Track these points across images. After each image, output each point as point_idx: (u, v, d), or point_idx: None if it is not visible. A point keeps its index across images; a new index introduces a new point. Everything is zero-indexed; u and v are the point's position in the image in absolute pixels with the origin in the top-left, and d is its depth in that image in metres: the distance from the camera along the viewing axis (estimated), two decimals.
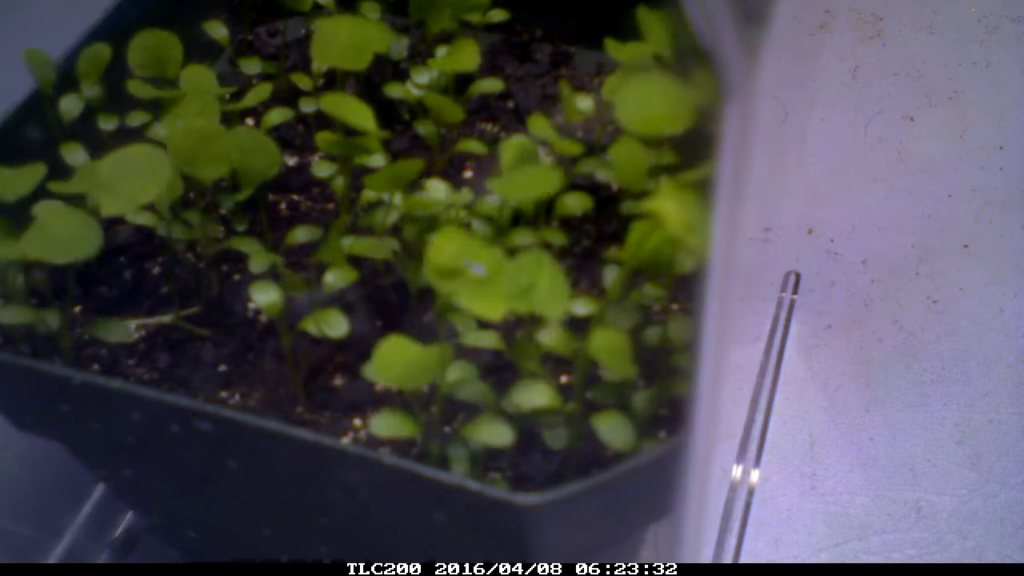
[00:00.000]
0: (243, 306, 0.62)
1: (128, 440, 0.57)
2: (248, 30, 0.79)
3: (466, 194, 0.60)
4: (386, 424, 0.50)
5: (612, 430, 0.50)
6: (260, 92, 0.61)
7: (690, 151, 0.57)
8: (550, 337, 0.52)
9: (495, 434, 0.50)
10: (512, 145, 0.57)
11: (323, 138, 0.58)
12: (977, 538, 0.82)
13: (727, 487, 0.84)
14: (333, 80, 0.73)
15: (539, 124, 0.61)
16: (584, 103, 0.65)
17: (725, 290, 0.37)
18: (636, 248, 0.49)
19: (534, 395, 0.51)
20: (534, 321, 0.53)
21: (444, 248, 0.48)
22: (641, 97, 0.50)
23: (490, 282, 0.48)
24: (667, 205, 0.44)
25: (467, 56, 0.64)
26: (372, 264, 0.61)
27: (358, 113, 0.56)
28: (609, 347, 0.49)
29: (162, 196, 0.58)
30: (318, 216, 0.67)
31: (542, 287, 0.47)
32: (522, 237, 0.59)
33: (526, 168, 0.57)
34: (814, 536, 0.83)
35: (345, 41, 0.59)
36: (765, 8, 0.36)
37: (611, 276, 0.59)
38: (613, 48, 0.60)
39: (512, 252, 0.49)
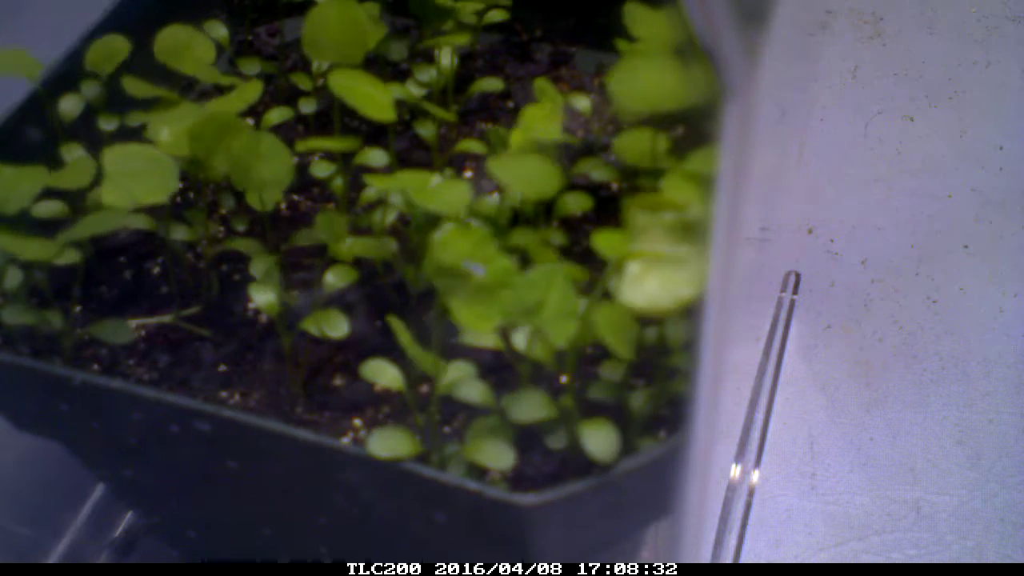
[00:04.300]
0: (243, 306, 0.62)
1: (128, 440, 0.57)
2: (248, 30, 0.79)
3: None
4: (386, 443, 0.49)
5: (596, 439, 0.49)
6: (248, 91, 0.60)
7: (690, 152, 0.57)
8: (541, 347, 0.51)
9: (496, 456, 0.49)
10: (533, 112, 0.56)
11: (306, 144, 0.58)
12: (977, 538, 0.82)
13: (727, 487, 0.84)
14: None
15: (536, 114, 0.61)
16: (581, 100, 0.65)
17: (725, 290, 0.37)
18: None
19: (531, 408, 0.50)
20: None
21: (452, 246, 0.47)
22: (637, 75, 0.49)
23: (491, 292, 0.46)
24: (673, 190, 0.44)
25: (462, 36, 0.64)
26: (372, 264, 0.61)
27: (373, 85, 0.56)
28: (611, 323, 0.47)
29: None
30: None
31: (551, 306, 0.46)
32: (522, 237, 0.59)
33: (528, 158, 0.56)
34: (814, 536, 0.83)
35: (337, 34, 0.58)
36: (765, 8, 0.36)
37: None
38: (622, 45, 0.60)
39: (514, 251, 0.49)
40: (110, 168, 0.53)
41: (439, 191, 0.52)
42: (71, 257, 0.58)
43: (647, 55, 0.53)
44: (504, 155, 0.56)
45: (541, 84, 0.62)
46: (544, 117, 0.58)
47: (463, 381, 0.51)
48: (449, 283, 0.47)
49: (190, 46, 0.61)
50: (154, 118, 0.57)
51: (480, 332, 0.46)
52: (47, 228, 0.59)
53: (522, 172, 0.54)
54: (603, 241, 0.49)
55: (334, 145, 0.60)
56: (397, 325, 0.50)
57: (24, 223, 0.55)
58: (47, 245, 0.53)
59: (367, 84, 0.56)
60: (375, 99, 0.55)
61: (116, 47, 0.63)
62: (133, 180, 0.53)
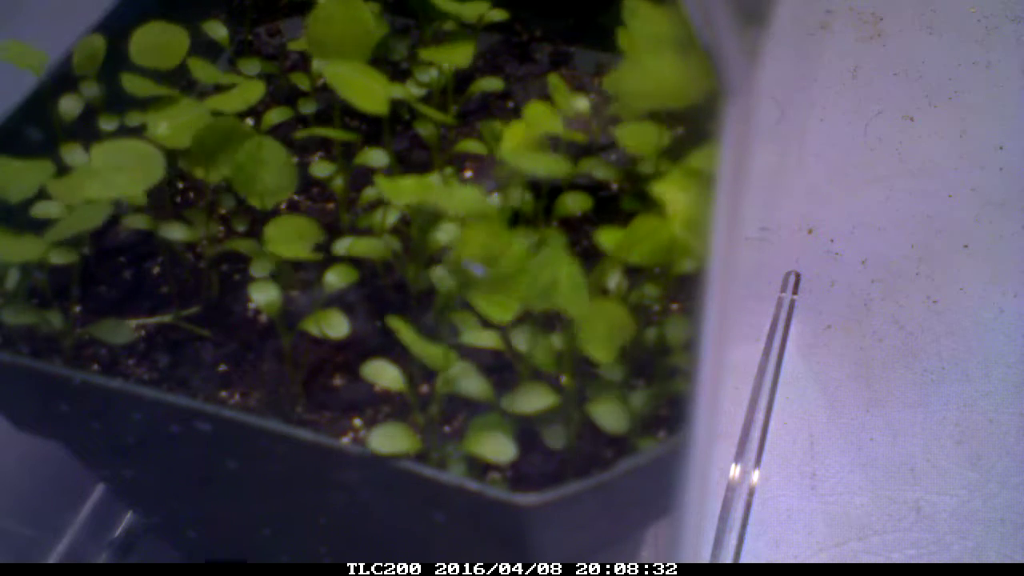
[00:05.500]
0: (243, 306, 0.62)
1: (128, 440, 0.57)
2: (248, 30, 0.79)
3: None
4: (386, 440, 0.49)
5: (606, 414, 0.50)
6: (250, 90, 0.60)
7: (689, 151, 0.57)
8: (539, 345, 0.51)
9: (497, 450, 0.49)
10: (535, 109, 0.57)
11: (305, 132, 0.57)
12: (977, 538, 0.82)
13: (727, 487, 0.84)
14: None
15: (538, 111, 0.60)
16: (580, 101, 0.65)
17: (725, 290, 0.37)
18: (632, 242, 0.49)
19: (533, 399, 0.50)
20: (537, 320, 0.53)
21: (473, 240, 0.47)
22: (639, 72, 0.49)
23: (508, 281, 0.47)
24: (671, 192, 0.44)
25: (461, 52, 0.64)
26: (372, 264, 0.61)
27: (370, 76, 0.55)
28: (601, 321, 0.48)
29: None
30: (318, 216, 0.67)
31: (563, 284, 0.47)
32: (523, 237, 0.59)
33: (537, 151, 0.56)
34: (814, 536, 0.83)
35: (341, 32, 0.58)
36: (765, 8, 0.36)
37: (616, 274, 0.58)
38: (623, 38, 0.60)
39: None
40: (96, 163, 0.53)
41: (454, 193, 0.52)
42: (65, 256, 0.58)
43: (648, 51, 0.54)
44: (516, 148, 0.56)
45: (554, 80, 0.62)
46: (546, 114, 0.58)
47: (464, 376, 0.51)
48: (467, 280, 0.47)
49: (167, 43, 0.61)
50: (154, 114, 0.57)
51: (502, 321, 0.47)
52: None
53: (534, 157, 0.55)
54: (606, 238, 0.50)
55: (334, 134, 0.60)
56: (398, 324, 0.50)
57: (24, 224, 0.55)
58: (36, 245, 0.53)
59: (364, 75, 0.55)
60: (370, 90, 0.55)
61: (96, 46, 0.63)
62: (117, 173, 0.53)
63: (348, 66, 0.56)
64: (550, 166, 0.54)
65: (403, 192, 0.53)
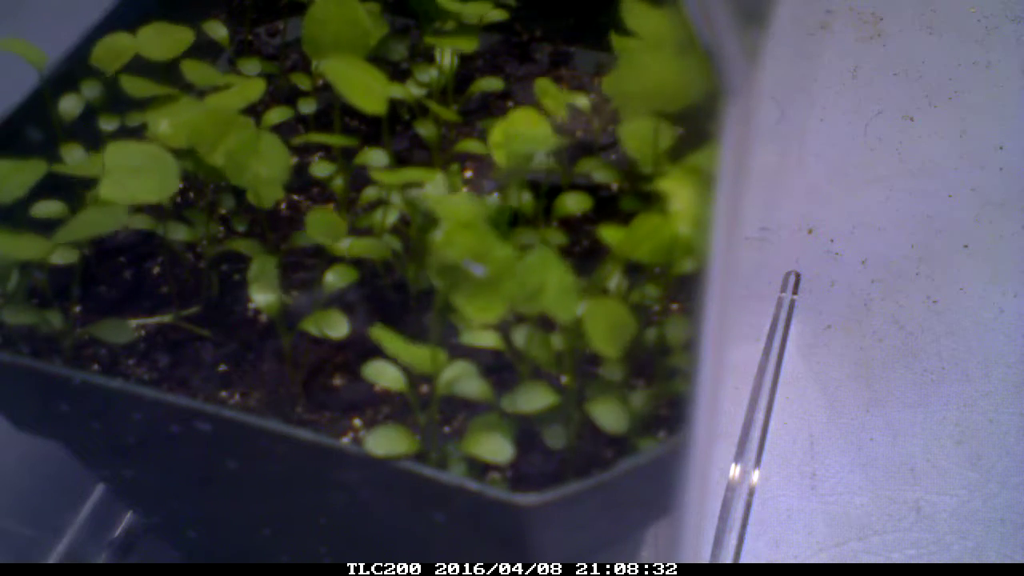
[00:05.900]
0: (243, 306, 0.62)
1: (128, 440, 0.57)
2: (248, 30, 0.79)
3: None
4: (383, 441, 0.49)
5: (606, 414, 0.50)
6: (250, 89, 0.60)
7: (689, 152, 0.57)
8: (539, 343, 0.51)
9: (494, 450, 0.49)
10: (520, 117, 0.57)
11: (303, 138, 0.57)
12: (977, 538, 0.82)
13: (727, 487, 0.84)
14: None
15: (522, 117, 0.60)
16: (580, 101, 0.65)
17: (725, 290, 0.37)
18: (634, 240, 0.49)
19: (534, 398, 0.50)
20: (535, 321, 0.53)
21: (455, 242, 0.47)
22: (637, 75, 0.49)
23: (493, 284, 0.47)
24: (674, 187, 0.44)
25: (466, 40, 0.64)
26: (372, 264, 0.61)
27: (370, 74, 0.55)
28: (605, 319, 0.48)
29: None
30: None
31: (551, 288, 0.47)
32: (522, 237, 0.59)
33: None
34: (814, 536, 0.83)
35: (337, 33, 0.58)
36: (765, 8, 0.36)
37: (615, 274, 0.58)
38: (618, 42, 0.60)
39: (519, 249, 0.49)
40: (111, 163, 0.53)
41: (450, 201, 0.52)
42: (69, 256, 0.58)
43: (647, 53, 0.53)
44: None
45: (543, 84, 0.62)
46: (529, 122, 0.58)
47: (463, 378, 0.51)
48: (452, 280, 0.47)
49: (170, 40, 0.61)
50: (154, 113, 0.57)
51: (485, 323, 0.46)
52: (48, 230, 0.59)
53: (521, 135, 0.55)
54: (609, 234, 0.49)
55: (332, 140, 0.60)
56: (383, 335, 0.49)
57: (24, 224, 0.55)
58: (41, 244, 0.53)
59: (364, 73, 0.55)
60: (369, 89, 0.55)
61: (122, 45, 0.63)
62: (132, 177, 0.53)
63: (348, 62, 0.56)
64: (538, 142, 0.54)
65: (395, 178, 0.53)
